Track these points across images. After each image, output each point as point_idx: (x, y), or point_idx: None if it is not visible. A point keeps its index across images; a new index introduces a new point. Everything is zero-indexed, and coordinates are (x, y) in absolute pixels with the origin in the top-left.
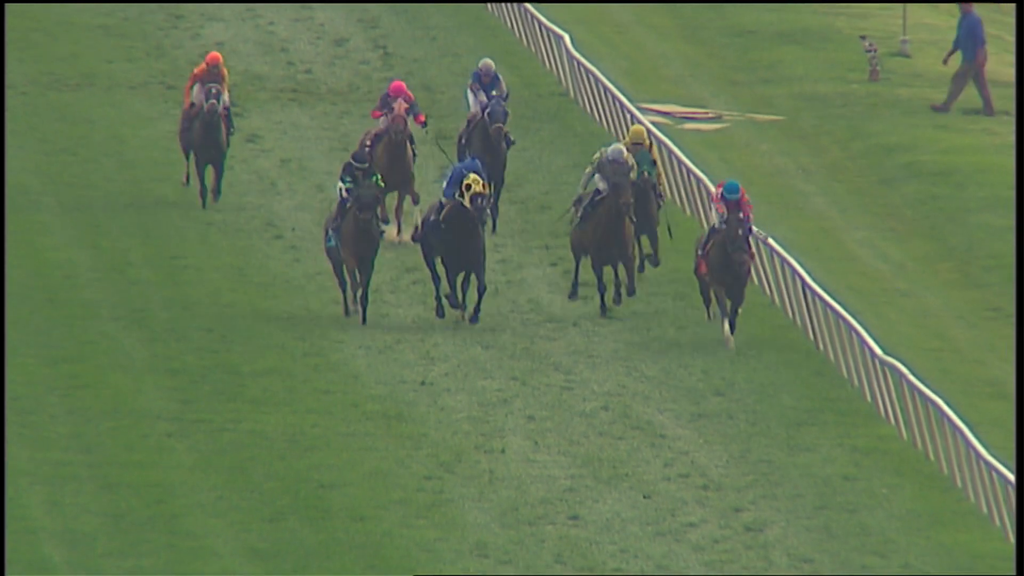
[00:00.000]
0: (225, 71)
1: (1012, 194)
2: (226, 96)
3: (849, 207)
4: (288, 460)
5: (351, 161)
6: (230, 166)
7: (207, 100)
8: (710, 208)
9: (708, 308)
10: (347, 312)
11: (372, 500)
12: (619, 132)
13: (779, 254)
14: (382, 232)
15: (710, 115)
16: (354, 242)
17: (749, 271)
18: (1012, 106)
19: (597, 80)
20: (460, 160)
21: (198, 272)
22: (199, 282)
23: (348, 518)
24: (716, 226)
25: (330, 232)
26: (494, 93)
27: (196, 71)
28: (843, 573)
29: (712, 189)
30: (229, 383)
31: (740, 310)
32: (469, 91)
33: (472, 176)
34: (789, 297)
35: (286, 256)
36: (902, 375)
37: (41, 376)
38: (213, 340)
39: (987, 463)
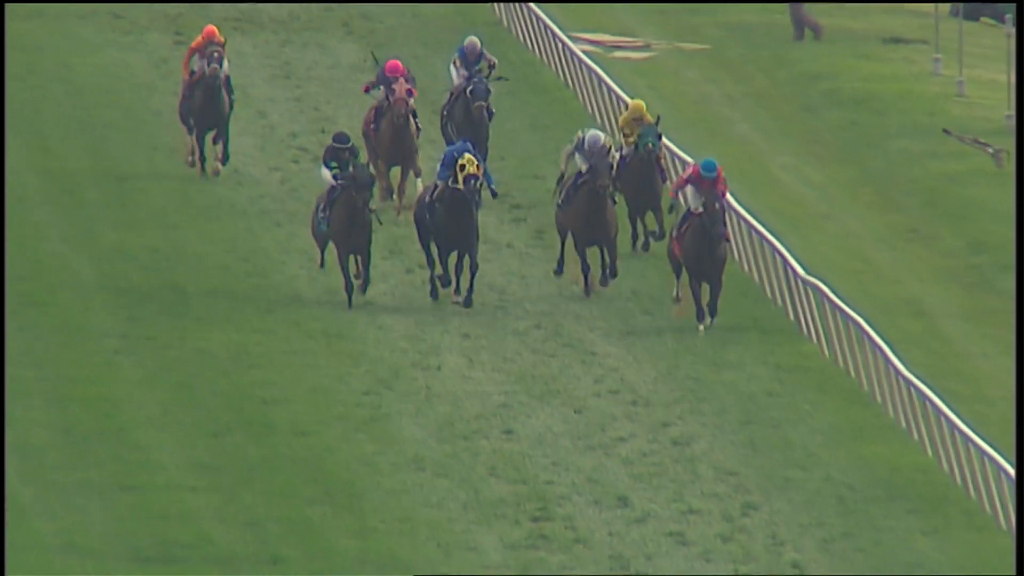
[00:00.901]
0: (223, 40)
1: (930, 120)
2: (227, 64)
3: (773, 133)
4: (232, 377)
5: (332, 143)
6: (174, 92)
7: (208, 64)
8: (678, 190)
9: (678, 285)
10: (350, 301)
11: (313, 416)
12: (551, 61)
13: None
14: (375, 214)
15: (638, 44)
16: (348, 227)
17: (725, 254)
18: (1012, 105)
19: (530, 10)
20: (443, 132)
21: (144, 194)
22: (145, 204)
23: (290, 433)
24: (692, 209)
25: (320, 217)
26: (477, 69)
27: (193, 44)
28: (767, 485)
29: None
30: (174, 302)
31: (719, 297)
32: (452, 66)
33: (467, 156)
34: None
35: (230, 179)
36: (824, 295)
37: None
38: (159, 260)
39: (905, 379)
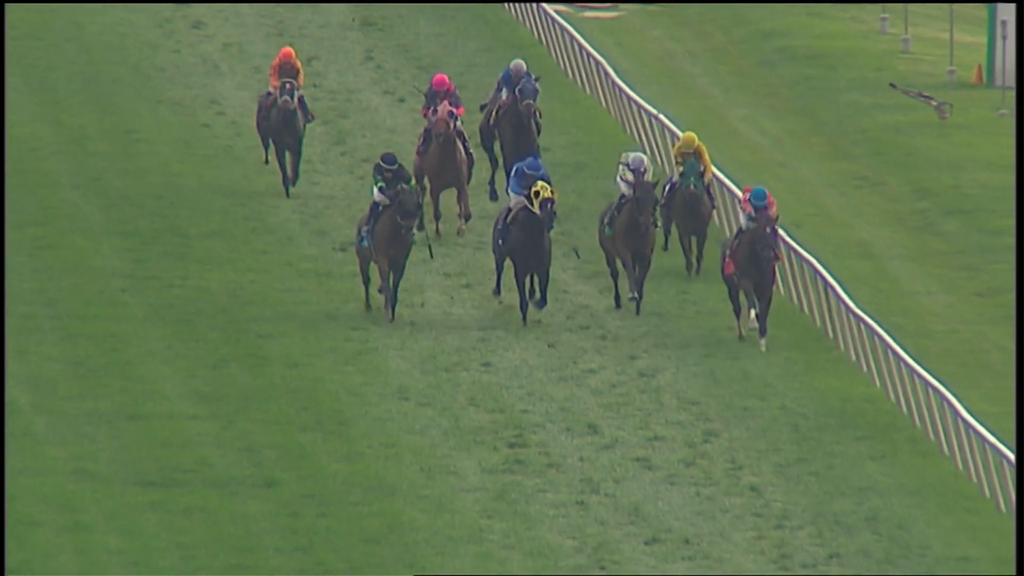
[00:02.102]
0: (298, 63)
1: (878, 75)
2: (299, 88)
3: (731, 87)
4: (229, 313)
5: (380, 163)
6: (176, 50)
7: (281, 96)
8: (738, 211)
9: (739, 320)
10: (368, 307)
11: (305, 349)
12: (526, 20)
13: (670, 129)
14: (414, 238)
15: (607, 4)
16: (387, 245)
17: (775, 271)
18: (954, 61)
19: None
20: (482, 142)
21: (149, 145)
22: (150, 154)
23: (283, 365)
24: (744, 227)
25: (363, 232)
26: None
27: (274, 63)
28: (727, 414)
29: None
30: (177, 244)
31: (768, 312)
32: (496, 90)
33: (540, 183)
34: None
35: (228, 131)
36: (780, 237)
37: (9, 239)
38: (163, 206)
39: (855, 315)
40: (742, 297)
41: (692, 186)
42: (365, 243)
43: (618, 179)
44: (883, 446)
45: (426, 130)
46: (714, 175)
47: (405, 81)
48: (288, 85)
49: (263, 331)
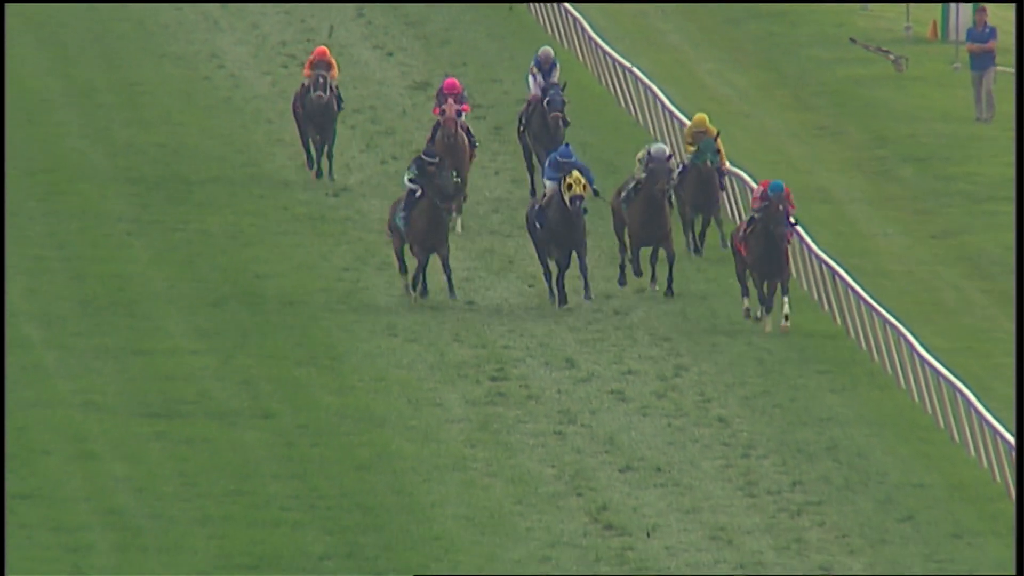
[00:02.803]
0: (333, 61)
1: (838, 31)
2: (333, 82)
3: (700, 43)
4: (229, 254)
5: (422, 156)
6: (179, 7)
7: (314, 91)
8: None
9: (746, 301)
10: (409, 291)
11: (300, 288)
12: None
13: (643, 83)
14: (451, 218)
15: None
16: (424, 232)
17: (788, 254)
18: (911, 17)
19: None
20: (520, 139)
21: (153, 96)
22: (154, 105)
23: (279, 303)
24: (756, 215)
25: (398, 216)
26: (553, 80)
27: (309, 59)
28: (696, 350)
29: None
30: (179, 190)
31: (787, 300)
32: (530, 75)
33: (574, 175)
34: (649, 116)
35: (227, 83)
36: (745, 183)
37: (22, 185)
38: (166, 154)
39: (817, 256)
40: (758, 287)
41: (708, 162)
42: (399, 224)
43: (638, 170)
44: (843, 379)
45: (434, 125)
46: (727, 168)
47: (394, 36)
48: (321, 79)
49: (260, 271)
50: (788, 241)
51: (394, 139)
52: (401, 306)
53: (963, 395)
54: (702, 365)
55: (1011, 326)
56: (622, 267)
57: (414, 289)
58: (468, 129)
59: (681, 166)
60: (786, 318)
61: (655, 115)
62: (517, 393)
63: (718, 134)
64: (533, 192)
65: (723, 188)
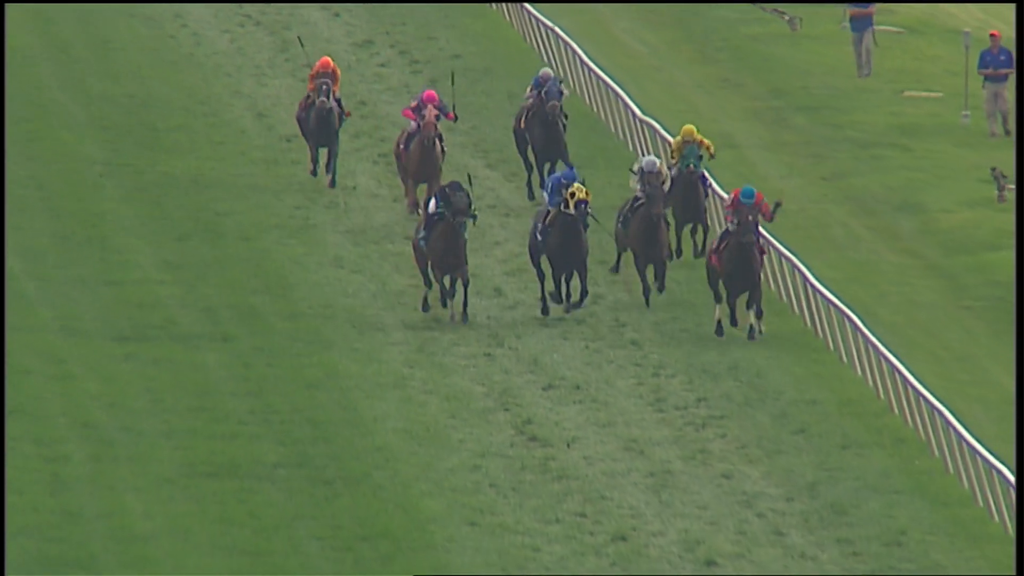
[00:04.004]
0: (337, 70)
1: None
2: (336, 89)
3: (616, 4)
4: (192, 195)
5: (445, 188)
6: None
7: (318, 97)
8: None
9: (718, 309)
10: (427, 306)
11: (255, 224)
12: None
13: (564, 40)
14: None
15: None
16: (443, 254)
17: (760, 267)
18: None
19: None
20: (517, 146)
21: (124, 52)
22: (125, 60)
23: (237, 238)
24: (730, 229)
25: (420, 236)
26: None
27: (312, 72)
28: (611, 279)
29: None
30: (147, 136)
31: (756, 316)
32: (528, 92)
33: (576, 185)
34: (570, 72)
35: (190, 41)
36: (656, 130)
37: (6, 133)
38: (135, 104)
39: (718, 195)
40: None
41: (691, 166)
42: (422, 245)
43: (632, 182)
44: (743, 306)
45: (409, 133)
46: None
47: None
48: (324, 86)
49: (220, 209)
50: (763, 255)
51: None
52: (346, 240)
53: (851, 320)
54: (616, 294)
55: (895, 258)
56: (618, 261)
57: (444, 306)
58: (441, 136)
59: (670, 177)
60: (760, 332)
61: (574, 69)
62: (450, 318)
63: (698, 141)
64: (530, 191)
65: (707, 195)
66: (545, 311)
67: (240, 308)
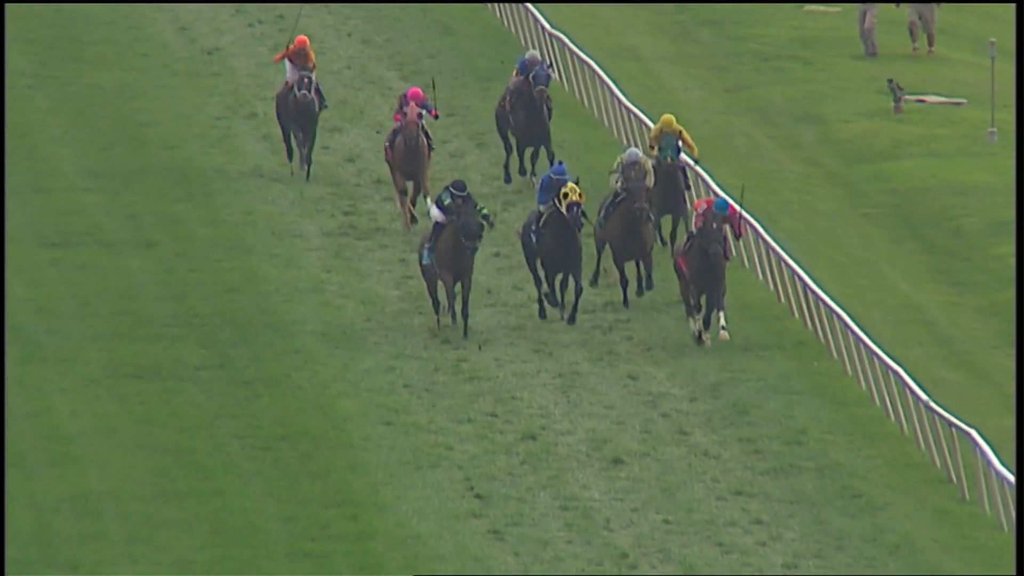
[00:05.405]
0: (312, 53)
1: None
2: (314, 77)
3: None
4: (116, 106)
5: (450, 188)
6: None
7: (299, 90)
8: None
9: (693, 321)
10: (439, 326)
11: (178, 134)
12: None
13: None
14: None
15: None
16: (451, 261)
17: (724, 271)
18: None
19: None
20: (498, 127)
21: None
22: None
23: (160, 147)
24: (695, 232)
25: (424, 251)
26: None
27: (287, 50)
28: (517, 187)
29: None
30: (73, 49)
31: (723, 314)
32: (513, 76)
33: (569, 185)
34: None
35: None
36: (565, 44)
37: None
38: (62, 19)
39: (624, 107)
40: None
41: (668, 159)
42: (427, 261)
43: (612, 180)
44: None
45: (394, 130)
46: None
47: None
48: (306, 79)
49: (144, 120)
50: (727, 259)
51: (261, 6)
52: (267, 150)
53: (752, 226)
54: (527, 203)
55: (796, 167)
56: (597, 269)
57: (453, 320)
58: (427, 132)
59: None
60: (723, 328)
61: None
62: (366, 225)
63: (676, 132)
64: (507, 174)
65: (688, 187)
66: (542, 314)
67: (163, 215)
